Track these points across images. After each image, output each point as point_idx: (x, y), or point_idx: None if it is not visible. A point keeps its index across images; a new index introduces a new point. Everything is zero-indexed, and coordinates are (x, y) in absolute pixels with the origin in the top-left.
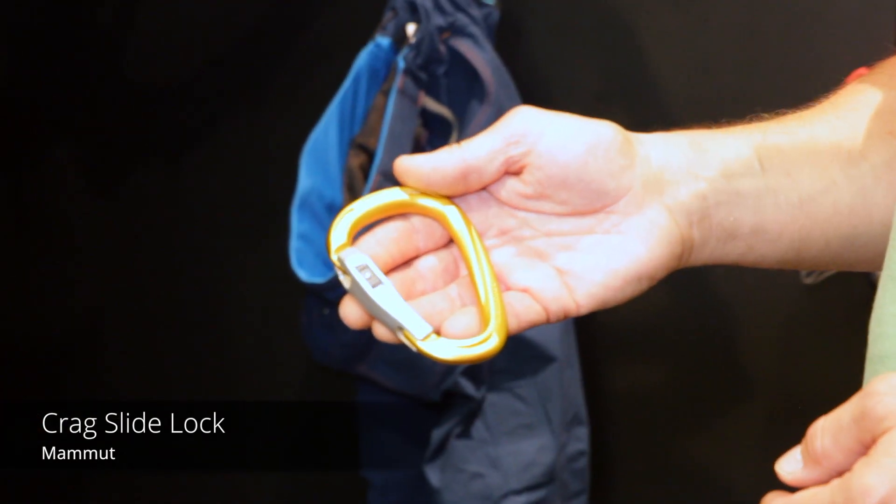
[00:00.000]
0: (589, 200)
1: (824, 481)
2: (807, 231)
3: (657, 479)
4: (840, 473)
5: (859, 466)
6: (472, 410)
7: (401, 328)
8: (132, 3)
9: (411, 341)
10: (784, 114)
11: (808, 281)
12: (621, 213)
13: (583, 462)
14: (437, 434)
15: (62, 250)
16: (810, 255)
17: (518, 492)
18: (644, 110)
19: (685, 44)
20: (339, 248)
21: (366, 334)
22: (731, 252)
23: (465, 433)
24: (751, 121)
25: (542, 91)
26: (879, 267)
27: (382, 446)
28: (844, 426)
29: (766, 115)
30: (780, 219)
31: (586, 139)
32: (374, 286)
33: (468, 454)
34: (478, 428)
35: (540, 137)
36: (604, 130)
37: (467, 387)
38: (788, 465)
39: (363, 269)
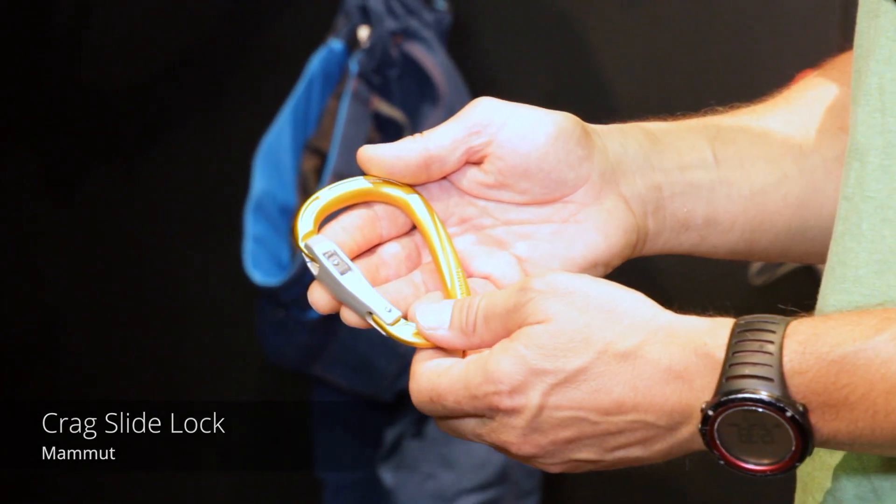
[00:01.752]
0: (548, 190)
1: (461, 347)
2: (758, 222)
3: (609, 479)
4: (478, 348)
5: (498, 350)
6: None
7: (370, 313)
8: (87, 6)
9: (380, 325)
10: (738, 108)
11: (758, 282)
12: (579, 203)
13: None
14: (390, 434)
15: (18, 252)
16: (761, 246)
17: (471, 491)
18: (596, 112)
19: (636, 45)
20: (307, 236)
21: (319, 335)
22: (685, 242)
23: (419, 433)
24: (705, 114)
25: (493, 94)
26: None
27: (336, 447)
28: (497, 313)
29: (720, 109)
30: (732, 210)
31: (547, 130)
32: (342, 272)
33: (421, 454)
34: (431, 428)
35: (501, 128)
36: (564, 121)
37: None
38: (432, 321)
39: (331, 255)
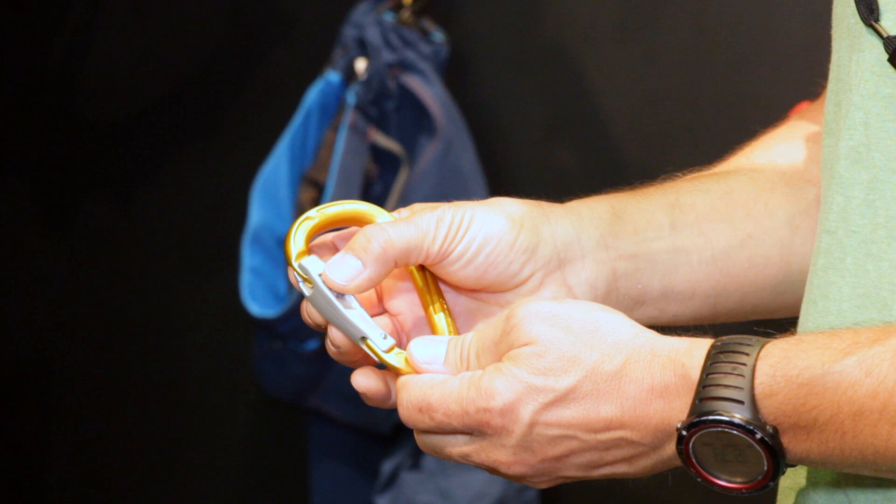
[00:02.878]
0: (486, 288)
1: None
2: (722, 287)
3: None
4: None
5: (491, 370)
6: None
7: (364, 338)
8: (85, 39)
9: (374, 352)
10: (699, 171)
11: None
12: (517, 293)
13: (532, 492)
14: (387, 466)
15: (14, 283)
16: (727, 308)
17: None
18: (591, 145)
19: (631, 78)
20: (299, 256)
21: (316, 367)
22: (641, 317)
23: (416, 465)
24: (664, 180)
25: (490, 126)
26: (798, 311)
27: (333, 478)
28: (487, 346)
29: (678, 175)
30: (692, 278)
31: (489, 249)
32: (337, 296)
33: (418, 486)
34: (427, 460)
35: (448, 242)
36: (508, 232)
37: None
38: (427, 356)
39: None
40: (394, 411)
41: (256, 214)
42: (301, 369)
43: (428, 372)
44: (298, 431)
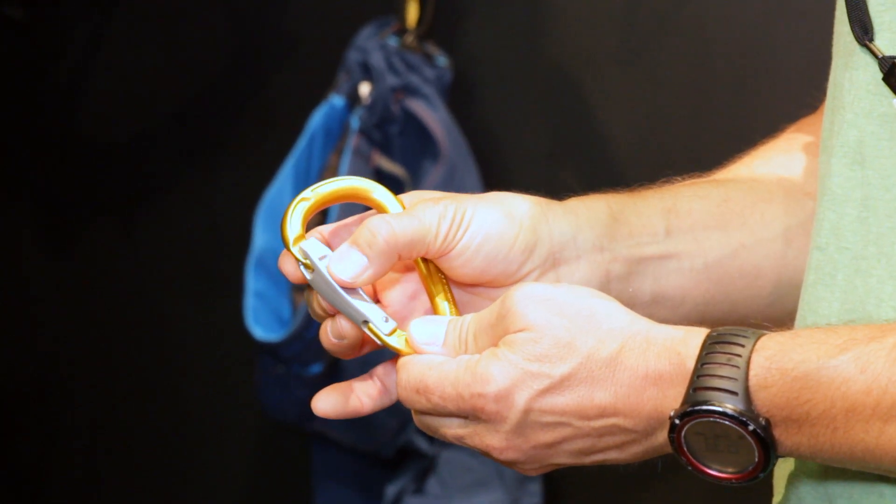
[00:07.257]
0: (480, 282)
1: None
2: (711, 295)
3: None
4: None
5: (488, 354)
6: (426, 467)
7: (366, 322)
8: (87, 61)
9: (376, 335)
10: (699, 176)
11: None
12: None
13: None
14: (390, 491)
15: (16, 308)
16: (716, 316)
17: None
18: (594, 168)
19: (634, 100)
20: (297, 240)
21: (320, 391)
22: None
23: (419, 489)
24: (663, 184)
25: (494, 150)
26: (789, 324)
27: (336, 503)
28: (484, 328)
29: (677, 179)
30: (682, 284)
31: (488, 248)
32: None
33: None
34: (431, 484)
35: (453, 234)
36: (506, 235)
37: (421, 443)
38: (426, 337)
39: (325, 260)
40: (398, 435)
41: (260, 238)
42: (304, 393)
43: (427, 353)
44: (302, 455)
